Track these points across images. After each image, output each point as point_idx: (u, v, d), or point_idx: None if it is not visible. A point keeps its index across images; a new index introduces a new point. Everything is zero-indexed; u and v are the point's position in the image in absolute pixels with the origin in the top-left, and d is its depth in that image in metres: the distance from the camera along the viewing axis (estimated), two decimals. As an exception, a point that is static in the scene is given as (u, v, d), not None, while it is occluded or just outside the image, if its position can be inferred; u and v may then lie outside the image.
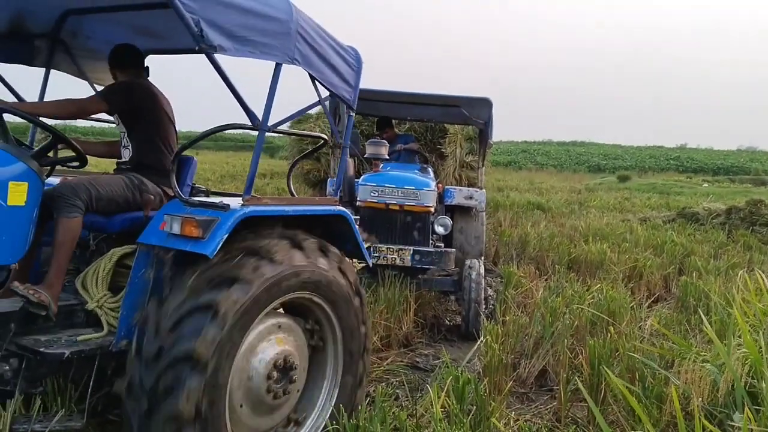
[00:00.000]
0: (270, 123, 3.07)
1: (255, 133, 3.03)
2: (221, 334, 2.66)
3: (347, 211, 3.51)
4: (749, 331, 3.41)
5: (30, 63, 3.83)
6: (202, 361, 2.61)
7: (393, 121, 8.18)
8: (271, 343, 3.05)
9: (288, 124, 3.63)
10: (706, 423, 2.44)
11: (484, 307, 5.99)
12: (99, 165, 5.79)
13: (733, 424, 2.76)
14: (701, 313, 4.37)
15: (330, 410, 3.35)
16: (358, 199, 6.24)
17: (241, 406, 2.93)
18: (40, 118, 3.15)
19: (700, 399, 2.77)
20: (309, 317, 3.35)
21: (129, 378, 2.74)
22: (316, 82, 3.44)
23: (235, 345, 2.77)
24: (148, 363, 2.67)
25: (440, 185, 6.91)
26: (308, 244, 3.13)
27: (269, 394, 3.01)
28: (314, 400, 3.40)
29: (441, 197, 6.79)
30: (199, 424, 2.63)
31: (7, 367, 2.72)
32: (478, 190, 7.06)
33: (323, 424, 3.31)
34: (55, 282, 2.90)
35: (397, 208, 6.12)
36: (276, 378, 3.03)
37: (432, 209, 6.27)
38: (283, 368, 3.08)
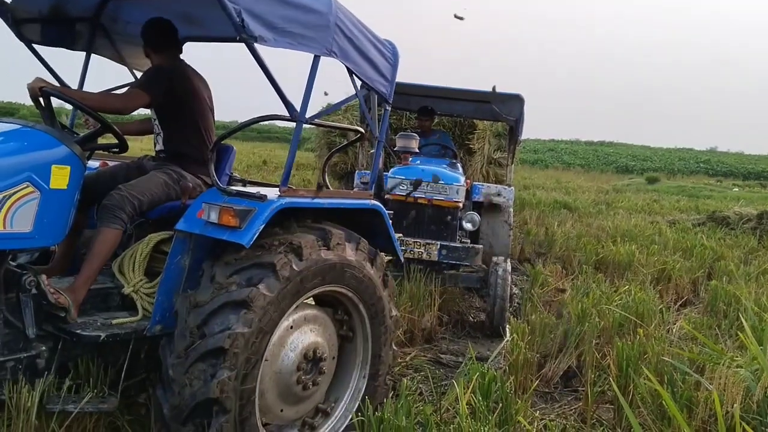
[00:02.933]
0: (307, 115, 3.07)
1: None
2: (253, 326, 2.68)
3: (381, 206, 3.51)
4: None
5: (71, 47, 3.87)
6: (232, 354, 2.63)
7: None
8: (301, 333, 3.07)
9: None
10: (747, 427, 2.39)
11: (509, 304, 5.94)
12: (134, 149, 5.83)
13: (768, 431, 2.71)
14: (741, 317, 4.28)
15: (357, 402, 3.36)
16: (386, 191, 6.22)
17: (270, 396, 2.96)
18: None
19: (735, 404, 2.72)
20: (338, 308, 3.36)
21: (162, 367, 2.77)
22: (353, 75, 3.44)
23: (266, 337, 2.79)
24: (179, 354, 2.69)
25: (468, 181, 6.87)
26: (340, 238, 3.13)
27: (299, 385, 3.04)
28: (343, 391, 3.42)
29: (469, 193, 6.75)
30: (229, 413, 2.65)
31: (44, 348, 2.76)
32: (506, 187, 7.02)
33: (350, 417, 3.32)
34: (80, 288, 2.92)
35: (425, 201, 6.10)
36: (305, 369, 3.06)
37: (460, 204, 6.24)
38: (313, 359, 3.10)
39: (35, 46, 3.69)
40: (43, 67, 3.73)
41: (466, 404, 3.33)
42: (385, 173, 6.44)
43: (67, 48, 3.86)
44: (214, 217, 2.79)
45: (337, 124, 4.31)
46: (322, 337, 3.19)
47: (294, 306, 2.93)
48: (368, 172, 6.54)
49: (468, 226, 6.32)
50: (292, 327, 3.02)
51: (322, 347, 3.16)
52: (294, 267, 2.83)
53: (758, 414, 3.05)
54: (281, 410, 3.06)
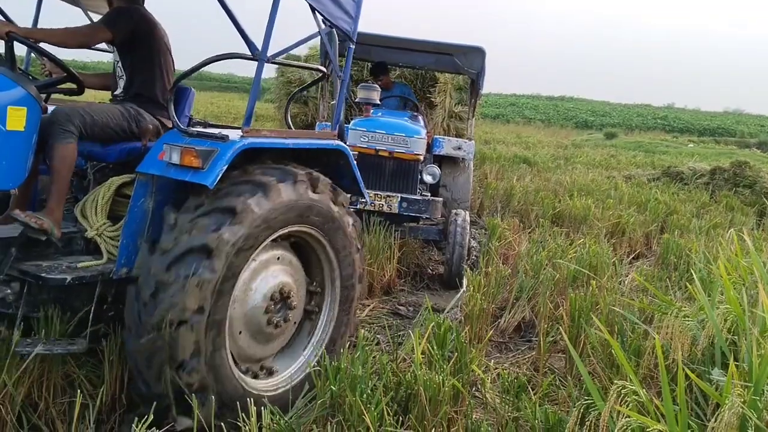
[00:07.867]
0: (269, 54, 2.99)
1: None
2: (219, 271, 2.68)
3: (346, 146, 3.47)
4: (731, 288, 3.45)
5: None
6: (200, 296, 2.63)
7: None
8: (271, 274, 3.11)
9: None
10: (690, 373, 2.48)
11: (467, 257, 6.01)
12: (97, 96, 5.67)
13: (711, 378, 2.81)
14: (691, 269, 4.41)
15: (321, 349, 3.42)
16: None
17: (240, 332, 3.01)
18: (46, 48, 3.10)
19: (679, 352, 2.82)
20: (313, 271, 3.42)
21: (127, 318, 2.75)
22: (316, 12, 3.35)
23: (233, 279, 2.80)
24: (146, 296, 2.67)
25: (429, 134, 6.85)
26: (306, 178, 3.11)
27: (268, 322, 3.10)
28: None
29: (429, 146, 6.75)
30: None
31: (9, 291, 2.75)
32: (467, 141, 7.03)
33: (302, 375, 3.36)
34: (56, 208, 2.90)
35: (386, 154, 6.07)
36: (274, 309, 3.11)
37: (421, 157, 6.24)
38: (281, 299, 3.14)
39: None
40: None
41: (422, 354, 3.38)
42: (346, 125, 6.38)
43: None
44: (176, 159, 2.76)
45: (301, 63, 4.22)
46: (290, 277, 3.23)
47: (259, 249, 2.93)
48: (328, 123, 6.46)
49: (428, 179, 6.33)
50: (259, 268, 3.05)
51: (289, 285, 3.21)
52: (256, 207, 2.81)
53: (702, 363, 3.16)
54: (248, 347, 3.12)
